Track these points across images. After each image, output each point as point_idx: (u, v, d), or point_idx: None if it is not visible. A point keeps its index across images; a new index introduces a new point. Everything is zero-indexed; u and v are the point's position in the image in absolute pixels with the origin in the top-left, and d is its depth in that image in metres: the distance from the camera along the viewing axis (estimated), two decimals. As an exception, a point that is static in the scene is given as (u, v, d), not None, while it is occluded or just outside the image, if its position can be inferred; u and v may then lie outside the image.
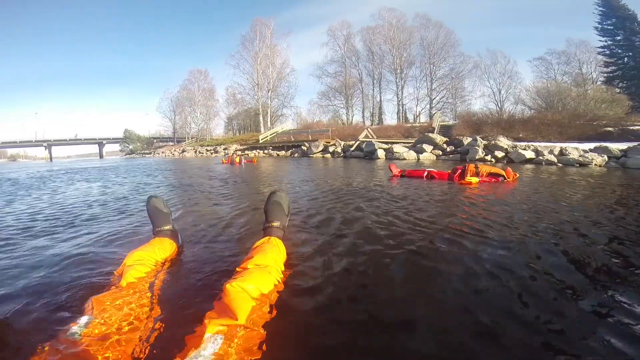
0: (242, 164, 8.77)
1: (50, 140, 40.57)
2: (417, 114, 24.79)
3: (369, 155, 10.92)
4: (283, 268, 1.02)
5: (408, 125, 17.46)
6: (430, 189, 3.04)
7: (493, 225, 1.63)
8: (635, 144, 7.42)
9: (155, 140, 42.96)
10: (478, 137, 9.43)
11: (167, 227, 1.28)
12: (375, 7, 43.97)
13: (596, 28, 20.10)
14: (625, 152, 7.21)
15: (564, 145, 8.20)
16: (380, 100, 27.75)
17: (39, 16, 62.00)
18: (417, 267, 1.12)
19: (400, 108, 25.69)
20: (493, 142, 8.86)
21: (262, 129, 26.79)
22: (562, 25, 38.32)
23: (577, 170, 5.79)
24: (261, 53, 27.25)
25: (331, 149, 13.39)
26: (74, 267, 1.19)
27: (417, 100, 25.41)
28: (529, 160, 7.79)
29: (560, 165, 7.20)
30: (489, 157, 8.38)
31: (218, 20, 68.57)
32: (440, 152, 9.88)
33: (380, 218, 1.79)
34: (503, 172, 3.70)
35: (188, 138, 36.48)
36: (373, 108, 28.17)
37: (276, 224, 1.22)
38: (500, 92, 23.01)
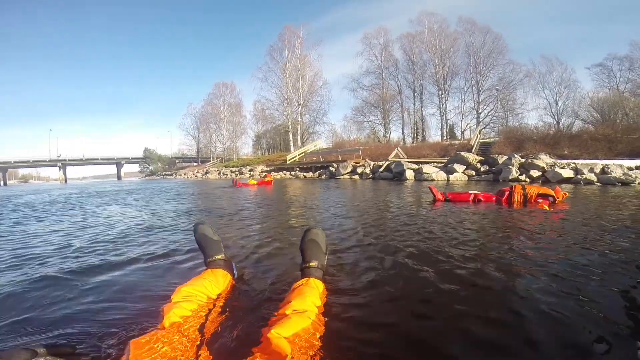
0: (241, 184, 10.35)
1: (65, 160, 44.50)
2: (463, 129, 25.89)
3: (398, 176, 12.57)
4: (323, 310, 1.09)
5: (446, 143, 18.85)
6: (483, 216, 3.21)
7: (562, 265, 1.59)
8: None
9: (177, 161, 47.89)
10: (516, 155, 10.68)
11: (220, 257, 1.37)
12: (415, 11, 47.84)
13: None
14: None
15: (608, 162, 9.13)
16: (422, 114, 29.46)
17: (59, 31, 77.62)
18: (483, 329, 1.03)
19: (444, 124, 27.16)
20: (530, 160, 10.06)
21: (291, 148, 29.45)
22: (626, 23, 37.19)
23: (618, 190, 6.38)
24: (290, 64, 30.25)
25: (360, 170, 15.33)
26: (112, 302, 1.28)
27: (462, 114, 26.79)
28: (567, 180, 8.83)
29: (599, 184, 8.20)
30: (523, 177, 9.59)
31: (245, 28, 79.19)
32: (474, 172, 11.22)
33: (436, 257, 1.75)
34: (552, 192, 4.11)
35: (213, 158, 40.57)
36: (414, 124, 29.93)
37: (314, 264, 1.30)
38: (557, 104, 23.66)
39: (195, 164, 44.07)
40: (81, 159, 46.12)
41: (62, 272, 1.67)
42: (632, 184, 7.91)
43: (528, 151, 11.89)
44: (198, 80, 79.68)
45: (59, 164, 44.06)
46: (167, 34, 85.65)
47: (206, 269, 1.34)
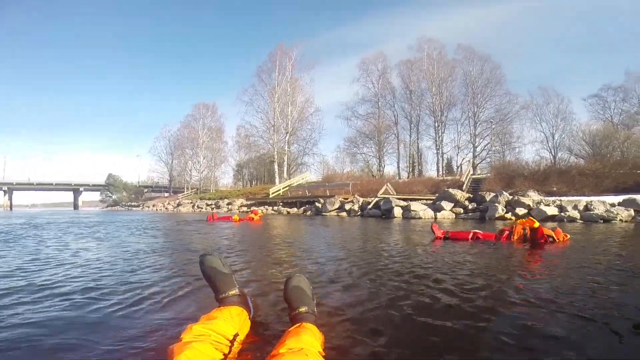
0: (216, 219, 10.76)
1: (12, 184, 43.07)
2: (459, 164, 27.72)
3: (386, 214, 13.49)
4: (321, 351, 1.16)
5: (438, 178, 20.25)
6: (482, 254, 3.65)
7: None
8: (668, 197, 9.36)
9: (145, 190, 48.32)
10: (504, 193, 11.83)
11: (234, 292, 1.43)
12: (413, 34, 52.45)
13: None
14: None
15: (591, 199, 10.32)
16: (418, 147, 31.37)
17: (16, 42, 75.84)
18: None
19: (440, 157, 29.04)
20: (516, 198, 11.21)
21: (276, 180, 30.29)
22: (621, 53, 42.20)
23: (600, 228, 7.22)
24: (280, 88, 31.67)
25: (347, 206, 16.29)
26: (113, 341, 1.35)
27: (459, 148, 28.96)
28: (551, 217, 9.91)
29: (581, 222, 9.27)
30: (509, 215, 10.64)
31: (231, 46, 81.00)
32: (462, 210, 12.26)
33: (442, 302, 1.86)
34: (552, 233, 4.51)
35: (187, 188, 41.00)
36: (409, 157, 31.66)
37: (304, 309, 1.39)
38: (553, 137, 26.14)
39: (166, 194, 44.56)
40: (31, 184, 45.05)
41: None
42: (614, 221, 9.03)
43: (517, 188, 13.13)
44: (176, 99, 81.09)
45: (4, 187, 42.98)
46: (140, 43, 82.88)
47: (218, 307, 1.38)
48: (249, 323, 1.38)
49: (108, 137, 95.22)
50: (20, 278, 2.51)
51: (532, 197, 11.60)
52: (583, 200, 10.26)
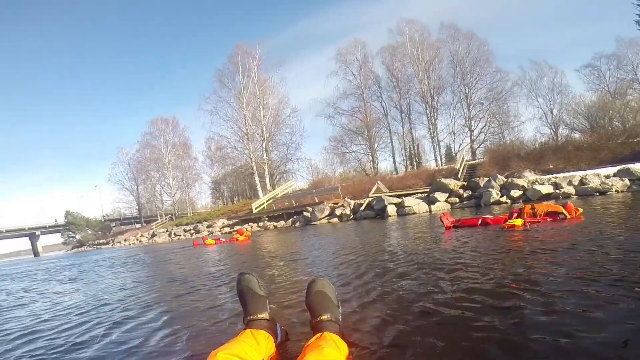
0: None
1: None
2: (456, 151, 28.96)
3: (380, 213, 14.44)
4: None
5: (433, 169, 21.35)
6: (490, 241, 4.13)
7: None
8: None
9: (113, 224, 48.17)
10: (499, 176, 12.87)
11: (263, 316, 1.53)
12: (392, 19, 54.42)
13: (637, 22, 24.91)
14: None
15: (586, 173, 11.41)
16: (412, 137, 32.56)
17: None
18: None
19: (437, 146, 30.28)
20: (510, 180, 12.24)
21: (259, 193, 30.90)
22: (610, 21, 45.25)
23: (596, 200, 8.21)
24: (247, 92, 32.36)
25: (338, 211, 17.14)
26: None
27: (454, 133, 30.30)
28: (547, 196, 10.94)
29: (576, 197, 10.31)
30: (504, 199, 11.66)
31: (187, 50, 79.49)
32: (457, 200, 13.25)
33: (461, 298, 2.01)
34: (562, 209, 5.02)
35: (161, 216, 41.22)
36: (407, 149, 32.83)
37: (326, 316, 1.47)
38: (552, 112, 27.77)
39: (138, 225, 44.75)
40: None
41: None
42: (609, 192, 10.11)
43: (514, 169, 14.22)
44: (126, 117, 79.10)
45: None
46: (75, 47, 78.74)
47: (245, 329, 1.48)
48: (274, 349, 1.46)
49: (58, 172, 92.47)
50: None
51: (527, 177, 12.65)
52: (578, 175, 11.33)
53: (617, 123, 16.82)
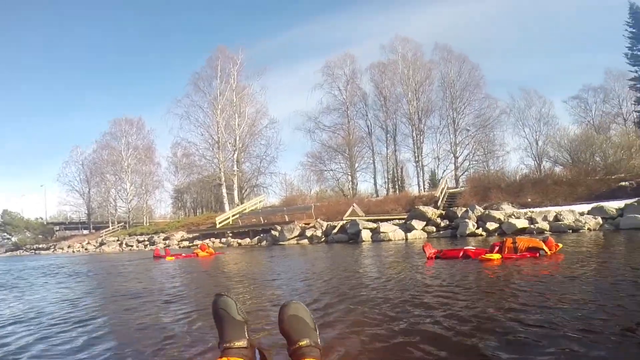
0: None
1: None
2: (439, 177, 29.96)
3: (354, 237, 14.80)
4: None
5: (413, 195, 22.10)
6: (468, 273, 4.53)
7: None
8: (633, 200, 11.33)
9: (57, 228, 46.71)
10: (477, 207, 13.51)
11: (240, 344, 1.51)
12: (387, 35, 56.52)
13: (626, 55, 27.46)
14: (622, 211, 11.13)
15: (562, 209, 12.18)
16: (397, 160, 33.47)
17: None
18: None
19: (420, 170, 31.33)
20: (487, 212, 12.89)
21: (226, 207, 30.83)
22: (600, 51, 48.86)
23: (570, 238, 8.80)
24: (223, 98, 32.70)
25: (309, 232, 17.39)
26: None
27: (438, 159, 31.45)
28: (522, 230, 11.60)
29: (549, 233, 10.98)
30: (479, 231, 12.26)
31: (162, 49, 76.83)
32: (434, 229, 13.80)
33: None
34: (542, 245, 5.38)
35: (113, 223, 40.40)
36: (391, 171, 33.66)
37: (304, 342, 1.49)
38: (537, 143, 29.53)
39: (85, 231, 43.64)
40: None
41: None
42: (582, 230, 10.85)
43: (493, 200, 14.99)
44: (87, 113, 76.58)
45: None
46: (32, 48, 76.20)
47: (220, 357, 1.47)
48: None
49: None
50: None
51: (505, 210, 13.36)
52: (553, 210, 12.09)
53: (597, 158, 18.13)
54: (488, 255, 5.35)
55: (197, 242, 22.33)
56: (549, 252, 5.40)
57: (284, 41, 72.31)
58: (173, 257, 11.71)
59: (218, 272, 7.50)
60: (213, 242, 21.54)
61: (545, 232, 11.18)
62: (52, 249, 34.51)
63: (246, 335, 1.56)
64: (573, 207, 12.49)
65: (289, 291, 4.29)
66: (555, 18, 53.58)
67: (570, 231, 10.92)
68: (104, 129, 43.04)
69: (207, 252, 12.03)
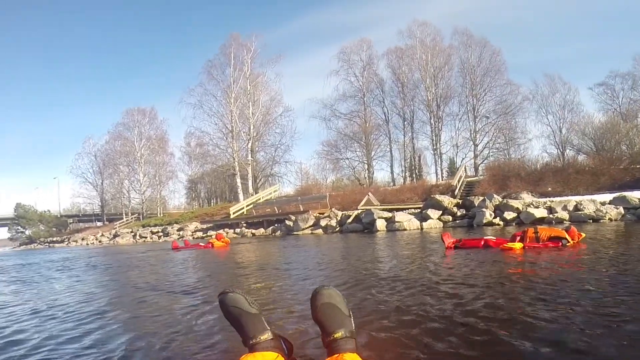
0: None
1: None
2: (457, 165, 30.05)
3: (369, 227, 15.27)
4: None
5: (430, 183, 22.38)
6: (492, 262, 4.66)
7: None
8: (658, 190, 11.50)
9: (70, 221, 48.38)
10: (495, 196, 13.80)
11: (266, 336, 1.54)
12: (405, 20, 56.07)
13: None
14: None
15: (582, 198, 12.40)
16: (414, 148, 33.66)
17: None
18: None
19: (438, 158, 31.59)
20: (505, 201, 13.18)
21: (240, 197, 31.64)
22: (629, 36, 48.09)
23: (590, 228, 8.92)
24: (237, 86, 33.23)
25: (324, 222, 17.93)
26: None
27: (457, 147, 31.71)
28: (540, 220, 11.86)
29: (568, 223, 11.24)
30: (497, 220, 12.58)
31: (174, 36, 79.91)
32: (450, 218, 14.15)
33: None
34: (565, 235, 5.57)
35: (127, 214, 41.65)
36: (408, 159, 33.91)
37: (340, 333, 1.51)
38: (561, 131, 29.28)
39: (99, 223, 44.98)
40: None
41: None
42: (602, 220, 11.08)
43: (512, 189, 15.25)
44: (101, 103, 78.43)
45: None
46: (47, 37, 76.81)
47: (248, 354, 1.51)
48: None
49: (11, 157, 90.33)
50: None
51: (524, 199, 13.62)
52: (573, 200, 12.31)
53: (623, 147, 18.09)
54: (510, 244, 5.52)
55: (211, 232, 23.14)
56: (571, 242, 5.53)
57: (298, 27, 72.93)
58: (190, 248, 12.50)
59: (232, 263, 7.88)
60: (227, 233, 22.17)
61: (565, 221, 11.41)
62: (66, 242, 35.75)
63: (266, 326, 1.58)
64: (594, 197, 12.68)
65: (304, 280, 4.50)
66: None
67: (591, 221, 11.11)
68: (117, 120, 44.17)
69: (222, 242, 12.75)
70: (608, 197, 12.48)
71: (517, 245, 5.50)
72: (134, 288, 4.93)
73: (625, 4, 47.44)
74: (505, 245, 5.60)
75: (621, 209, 11.39)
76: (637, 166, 15.16)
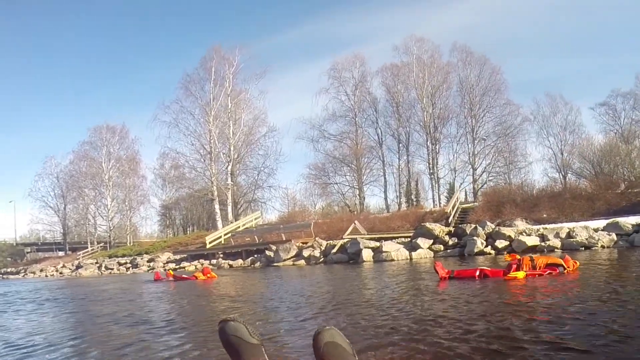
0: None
1: None
2: (457, 190, 30.97)
3: (354, 257, 15.86)
4: None
5: (423, 211, 23.14)
6: (495, 293, 4.97)
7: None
8: (649, 215, 12.35)
9: (28, 250, 47.58)
10: (488, 224, 14.57)
11: None
12: (401, 36, 57.94)
13: None
14: (638, 227, 12.14)
15: (576, 225, 13.21)
16: (409, 172, 34.53)
17: None
18: None
19: (435, 183, 32.33)
20: (497, 229, 13.95)
21: (219, 224, 31.78)
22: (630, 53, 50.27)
23: (581, 256, 9.48)
24: (216, 103, 33.73)
25: (307, 252, 18.44)
26: None
27: (455, 171, 32.57)
28: (532, 248, 12.59)
29: (560, 250, 12.00)
30: (488, 249, 13.31)
31: (148, 49, 77.78)
32: (442, 247, 14.83)
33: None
34: (561, 262, 6.21)
35: (93, 243, 41.12)
36: (406, 184, 34.64)
37: None
38: (562, 154, 30.49)
39: (60, 253, 44.45)
40: None
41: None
42: (594, 247, 11.82)
43: (506, 216, 16.08)
44: (65, 118, 76.03)
45: None
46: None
47: None
48: None
49: None
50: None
51: (517, 226, 14.40)
52: (566, 227, 13.10)
53: (621, 170, 19.10)
54: (513, 274, 5.99)
55: (184, 264, 23.43)
56: (567, 269, 6.18)
57: (285, 40, 73.64)
58: (173, 279, 13.30)
59: (215, 296, 8.25)
60: (202, 264, 22.53)
61: (556, 249, 12.15)
62: (22, 274, 35.40)
63: (267, 358, 1.64)
64: (589, 223, 13.49)
65: (294, 314, 4.69)
66: (583, 15, 54.93)
67: (583, 249, 11.85)
68: (83, 138, 43.97)
69: (207, 276, 13.17)
70: (602, 223, 13.26)
71: (521, 274, 5.99)
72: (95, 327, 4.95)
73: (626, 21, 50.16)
74: (509, 274, 6.07)
75: (614, 236, 12.16)
76: (635, 190, 16.13)
